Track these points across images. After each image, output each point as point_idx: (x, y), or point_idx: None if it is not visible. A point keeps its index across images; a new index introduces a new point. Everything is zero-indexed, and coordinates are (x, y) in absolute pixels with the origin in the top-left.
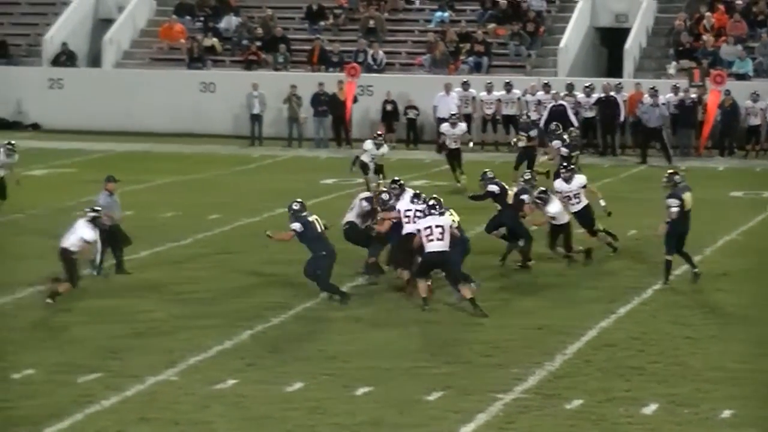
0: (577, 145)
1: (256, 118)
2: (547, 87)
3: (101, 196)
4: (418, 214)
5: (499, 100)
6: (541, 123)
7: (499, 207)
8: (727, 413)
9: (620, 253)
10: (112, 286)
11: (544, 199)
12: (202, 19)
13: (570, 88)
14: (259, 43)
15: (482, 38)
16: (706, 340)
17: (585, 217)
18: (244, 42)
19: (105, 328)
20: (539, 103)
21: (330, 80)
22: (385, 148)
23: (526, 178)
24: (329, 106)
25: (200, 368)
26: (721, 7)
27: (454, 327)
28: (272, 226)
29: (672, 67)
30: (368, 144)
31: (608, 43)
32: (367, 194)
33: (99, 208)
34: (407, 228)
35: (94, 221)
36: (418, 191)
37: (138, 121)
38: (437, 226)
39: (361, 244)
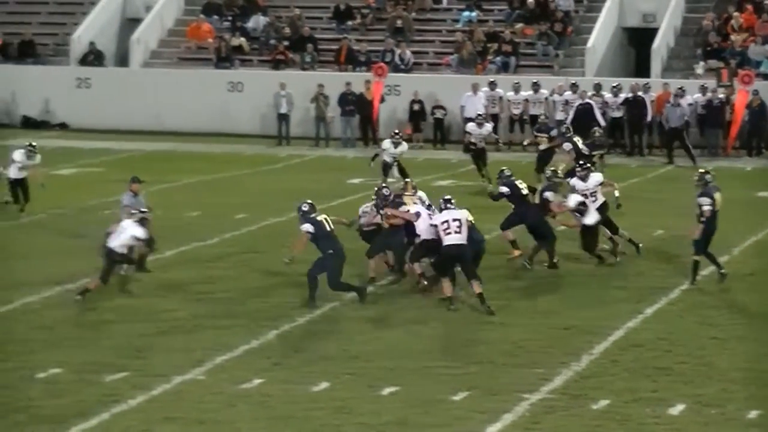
0: (603, 144)
1: (283, 118)
2: (574, 87)
3: (125, 196)
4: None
5: (526, 100)
6: (568, 122)
7: (512, 206)
8: (753, 414)
9: (647, 253)
10: (139, 285)
11: (581, 212)
12: (229, 18)
13: (597, 88)
14: (286, 43)
15: (510, 38)
16: (732, 340)
17: (601, 214)
18: (272, 41)
19: (131, 327)
20: (566, 103)
21: (357, 80)
22: (403, 147)
23: (549, 175)
24: (356, 105)
25: (226, 367)
26: (750, 6)
27: (479, 327)
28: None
29: (700, 67)
30: (386, 143)
31: (636, 43)
32: (368, 205)
33: (146, 210)
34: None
35: (142, 222)
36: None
37: (165, 121)
38: (454, 220)
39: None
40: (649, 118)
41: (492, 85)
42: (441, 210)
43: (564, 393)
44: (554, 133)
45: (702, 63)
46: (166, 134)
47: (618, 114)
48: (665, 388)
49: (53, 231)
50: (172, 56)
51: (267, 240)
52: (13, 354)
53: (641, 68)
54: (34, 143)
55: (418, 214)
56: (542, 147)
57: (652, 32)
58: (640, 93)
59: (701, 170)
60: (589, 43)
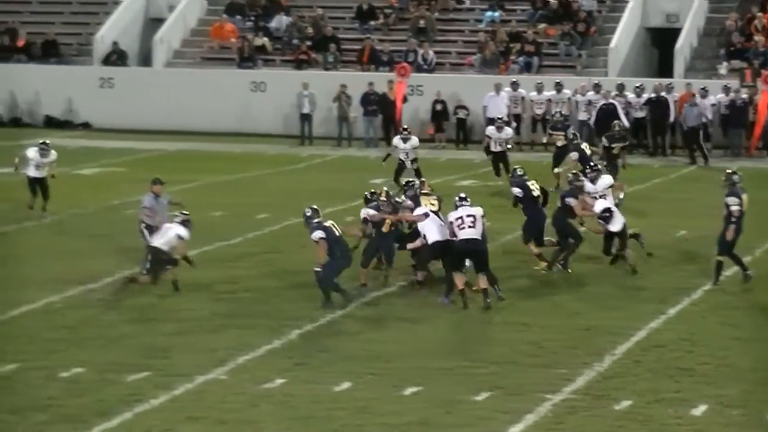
0: (623, 137)
1: (306, 118)
2: (597, 87)
3: (146, 198)
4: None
5: (549, 100)
6: (591, 122)
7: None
8: None
9: (670, 253)
10: (161, 284)
11: (606, 219)
12: (252, 18)
13: (621, 88)
14: (309, 43)
15: (533, 38)
16: (755, 341)
17: None
18: (295, 41)
19: (153, 326)
20: (589, 103)
21: (380, 80)
22: (413, 141)
23: (570, 179)
24: (379, 105)
25: (249, 367)
26: None
27: (501, 327)
28: None
29: (723, 68)
30: (396, 140)
31: (659, 43)
32: (371, 207)
33: (187, 213)
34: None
35: (185, 224)
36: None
37: (188, 121)
38: (468, 216)
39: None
40: (672, 118)
41: (514, 85)
42: (456, 207)
43: (586, 393)
44: (571, 131)
45: (725, 63)
46: (189, 134)
47: (641, 114)
48: (687, 389)
49: (75, 231)
50: (194, 56)
51: (289, 240)
52: (35, 353)
53: (664, 68)
54: (47, 141)
55: (426, 215)
56: (559, 144)
57: (675, 32)
58: (663, 93)
59: (729, 170)
60: (612, 43)
